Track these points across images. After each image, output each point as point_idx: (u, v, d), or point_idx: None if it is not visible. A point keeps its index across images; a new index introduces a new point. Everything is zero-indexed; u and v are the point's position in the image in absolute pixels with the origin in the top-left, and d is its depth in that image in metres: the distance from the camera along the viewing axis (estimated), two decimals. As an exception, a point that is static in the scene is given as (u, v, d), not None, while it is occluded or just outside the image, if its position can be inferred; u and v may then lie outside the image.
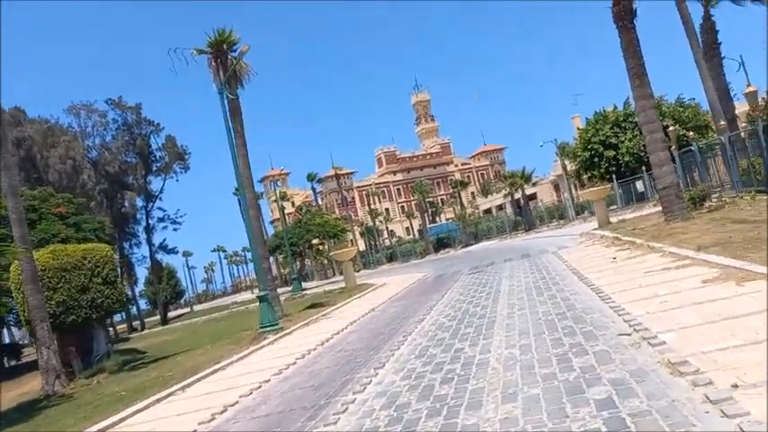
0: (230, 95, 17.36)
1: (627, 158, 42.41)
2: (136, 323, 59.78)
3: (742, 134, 19.47)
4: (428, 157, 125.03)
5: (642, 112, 17.14)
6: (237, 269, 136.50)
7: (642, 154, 41.91)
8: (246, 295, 73.56)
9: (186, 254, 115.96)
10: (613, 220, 25.03)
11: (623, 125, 43.53)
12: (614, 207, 43.49)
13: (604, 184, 25.27)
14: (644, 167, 40.09)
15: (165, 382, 11.46)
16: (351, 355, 9.15)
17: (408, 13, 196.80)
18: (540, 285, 11.47)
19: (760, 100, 23.50)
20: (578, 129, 46.97)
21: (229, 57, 18.76)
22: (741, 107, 27.34)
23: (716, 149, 23.70)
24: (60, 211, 32.37)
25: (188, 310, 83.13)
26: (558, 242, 23.70)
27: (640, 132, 42.48)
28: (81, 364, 18.03)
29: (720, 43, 23.13)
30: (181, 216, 57.29)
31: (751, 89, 21.92)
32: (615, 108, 45.28)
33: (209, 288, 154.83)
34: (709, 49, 22.91)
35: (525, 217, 51.65)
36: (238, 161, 18.83)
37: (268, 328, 14.36)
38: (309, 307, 20.61)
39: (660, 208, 23.73)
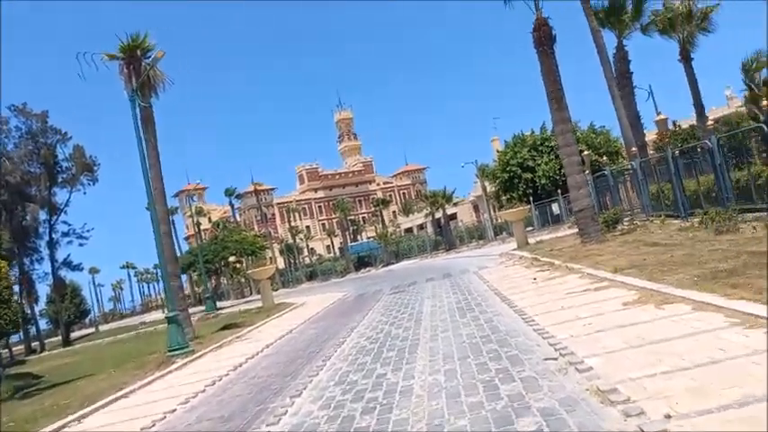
0: (142, 103, 16.41)
1: (543, 181, 43.82)
2: (36, 344, 55.88)
3: (652, 161, 20.36)
4: (350, 174, 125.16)
5: (560, 136, 17.57)
6: (148, 287, 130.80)
7: (558, 177, 43.49)
8: (157, 315, 70.25)
9: (93, 270, 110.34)
10: (531, 240, 25.54)
11: (540, 149, 45.04)
12: (531, 228, 44.71)
13: (523, 205, 25.82)
14: (559, 190, 41.55)
15: (59, 412, 10.43)
16: (265, 381, 8.58)
17: (333, 30, 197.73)
18: (462, 306, 11.31)
19: (671, 126, 24.80)
20: (498, 151, 48.20)
21: (143, 63, 17.79)
22: (649, 135, 28.78)
23: (627, 175, 24.79)
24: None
25: (93, 330, 78.56)
26: (479, 262, 23.91)
27: (556, 156, 44.37)
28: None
29: (632, 73, 24.28)
30: (87, 231, 54.07)
31: (661, 117, 23.06)
32: (533, 132, 46.83)
33: (117, 307, 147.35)
34: (622, 77, 23.98)
35: (446, 237, 52.28)
36: (150, 172, 17.85)
37: (177, 352, 13.46)
38: (223, 328, 19.68)
39: (575, 230, 24.52)
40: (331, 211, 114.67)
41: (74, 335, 69.42)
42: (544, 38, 17.10)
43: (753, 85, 23.84)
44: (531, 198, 43.59)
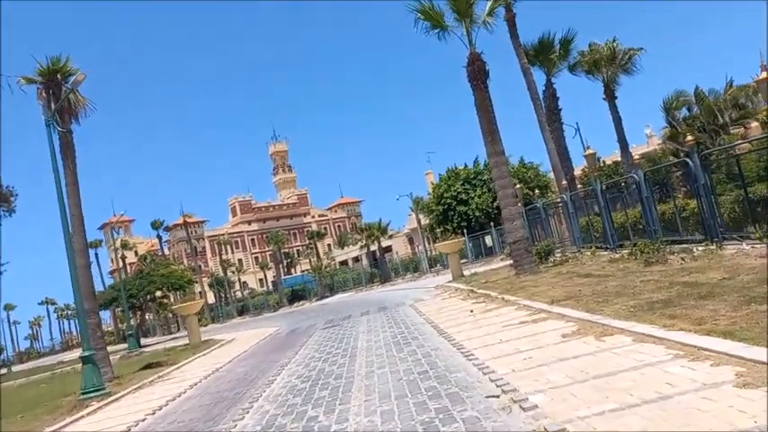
0: (60, 128, 15.44)
1: (477, 214, 44.46)
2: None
3: (581, 194, 20.84)
4: (285, 207, 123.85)
5: (495, 168, 17.70)
6: (69, 324, 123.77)
7: (490, 210, 44.26)
8: (78, 353, 66.16)
9: (9, 307, 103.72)
10: (466, 272, 25.57)
11: (473, 182, 45.79)
12: (465, 260, 45.02)
13: (458, 237, 25.91)
14: (492, 223, 42.22)
15: None
16: (186, 426, 7.88)
17: (266, 61, 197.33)
18: (399, 341, 10.93)
19: (597, 162, 25.65)
20: (432, 184, 48.74)
21: (64, 88, 16.83)
22: (577, 170, 29.68)
23: (557, 207, 25.33)
24: None
25: (4, 371, 73.32)
26: (415, 294, 23.66)
27: (489, 189, 45.25)
28: None
29: (561, 109, 25.03)
30: (2, 264, 50.69)
31: (590, 151, 23.81)
32: (466, 166, 47.63)
33: (35, 345, 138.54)
34: (551, 114, 24.66)
35: (381, 269, 51.99)
36: (68, 201, 16.76)
37: (92, 394, 12.41)
38: (145, 367, 18.51)
39: (509, 261, 24.73)
40: (264, 244, 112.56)
41: (-18, 377, 64.54)
42: (478, 72, 17.31)
43: (674, 123, 24.99)
44: (465, 230, 44.08)
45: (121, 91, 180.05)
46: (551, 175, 50.47)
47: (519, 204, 18.73)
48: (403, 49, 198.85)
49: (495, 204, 44.68)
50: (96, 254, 74.62)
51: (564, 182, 24.09)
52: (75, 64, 16.65)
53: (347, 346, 12.09)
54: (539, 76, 25.13)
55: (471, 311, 12.66)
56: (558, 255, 20.00)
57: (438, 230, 48.02)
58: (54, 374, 32.32)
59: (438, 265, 50.96)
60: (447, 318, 12.56)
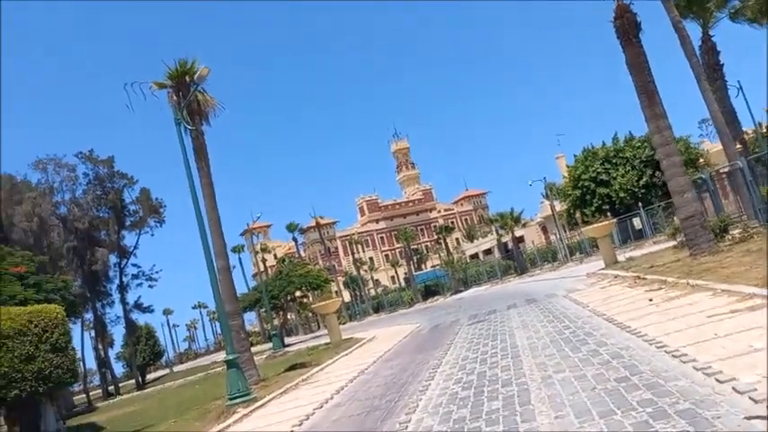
0: (189, 126, 15.36)
1: (621, 195, 40.91)
2: (124, 383, 56.20)
3: (764, 158, 17.79)
4: (410, 204, 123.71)
5: (656, 134, 15.39)
6: (219, 326, 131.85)
7: (636, 189, 40.59)
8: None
9: (167, 312, 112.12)
10: (620, 257, 23.10)
11: (614, 160, 42.22)
12: (612, 245, 41.80)
13: (607, 219, 23.39)
14: (640, 203, 38.61)
15: None
16: (338, 443, 6.88)
17: (385, 58, 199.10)
18: (568, 337, 9.34)
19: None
20: (567, 166, 45.63)
21: (192, 90, 16.86)
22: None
23: (721, 178, 22.16)
24: (20, 270, 29.75)
25: (168, 371, 79.21)
26: (564, 284, 21.66)
27: (633, 168, 41.57)
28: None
29: (723, 65, 21.83)
30: (157, 272, 54.45)
31: (773, 107, 20.46)
32: (603, 144, 44.08)
33: (192, 347, 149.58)
34: (711, 70, 21.56)
35: (516, 260, 49.69)
36: (204, 203, 16.76)
37: (238, 400, 11.97)
38: (289, 368, 18.18)
39: (671, 243, 22.01)
40: (393, 242, 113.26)
41: (150, 376, 69.93)
42: (628, 25, 15.15)
43: None
44: (608, 213, 40.70)
45: (252, 99, 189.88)
46: (704, 146, 45.66)
47: (687, 176, 16.17)
48: (519, 33, 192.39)
49: (641, 183, 40.94)
50: (240, 258, 78.65)
51: (738, 146, 20.90)
52: (201, 65, 16.56)
53: (504, 344, 10.66)
54: (692, 31, 22.06)
55: (651, 300, 10.73)
56: (738, 231, 17.15)
57: (576, 216, 44.87)
58: (208, 375, 33.68)
59: (577, 253, 47.83)
60: (620, 309, 10.73)
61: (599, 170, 42.38)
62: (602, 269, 21.83)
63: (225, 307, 16.57)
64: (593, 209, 42.42)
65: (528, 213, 75.66)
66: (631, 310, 10.27)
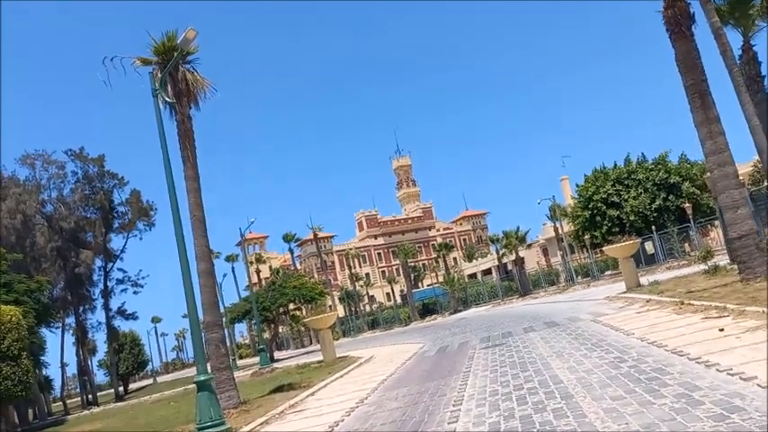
0: (168, 100, 13.37)
1: (632, 218, 39.01)
2: (106, 392, 53.43)
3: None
4: (410, 221, 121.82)
5: (708, 140, 13.44)
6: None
7: (648, 213, 38.74)
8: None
9: (155, 320, 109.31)
10: (643, 281, 21.11)
11: (626, 182, 40.39)
12: (615, 271, 39.86)
13: (632, 239, 21.37)
14: (653, 227, 36.72)
15: None
16: None
17: (389, 74, 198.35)
18: (630, 373, 7.30)
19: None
20: (577, 186, 43.78)
21: (181, 68, 14.92)
22: None
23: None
24: (-11, 268, 27.62)
25: (151, 381, 76.52)
26: (581, 308, 19.62)
27: (645, 190, 39.74)
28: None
29: (765, 76, 20.01)
30: (143, 278, 52.18)
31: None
32: (616, 165, 42.27)
33: (180, 356, 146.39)
34: (752, 82, 19.71)
35: (520, 281, 47.57)
36: (189, 198, 14.74)
37: (209, 430, 9.83)
38: (275, 390, 16.02)
39: (690, 269, 20.17)
40: (390, 258, 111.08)
41: (134, 385, 67.35)
42: (680, 16, 13.35)
43: None
44: (616, 238, 38.71)
45: (251, 110, 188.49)
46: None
47: (743, 188, 14.29)
48: (524, 45, 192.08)
49: (653, 207, 39.10)
50: (233, 268, 76.41)
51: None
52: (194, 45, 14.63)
53: (541, 377, 8.59)
54: (732, 39, 20.23)
55: (721, 330, 8.72)
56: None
57: (585, 238, 42.90)
58: (186, 390, 31.36)
59: (578, 277, 45.83)
60: (684, 339, 8.70)
61: (610, 191, 40.54)
62: (624, 293, 19.88)
63: (205, 317, 14.52)
64: (603, 231, 40.52)
65: (529, 236, 73.83)
66: (701, 341, 8.23)
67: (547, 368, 9.23)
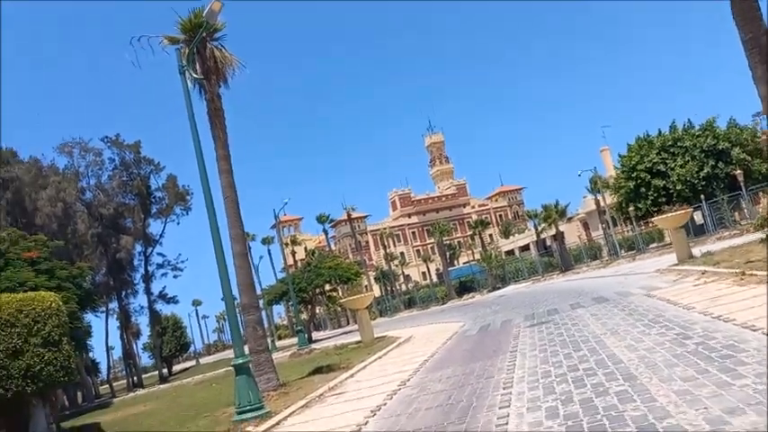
0: (196, 76, 12.95)
1: (679, 187, 37.48)
2: (151, 374, 54.73)
3: None
4: (444, 198, 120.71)
5: (771, 98, 12.41)
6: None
7: (697, 181, 37.20)
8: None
9: (196, 303, 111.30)
10: (694, 252, 20.10)
11: (672, 150, 38.79)
12: (669, 240, 38.56)
13: (683, 208, 20.24)
14: (701, 196, 35.26)
15: None
16: None
17: (421, 50, 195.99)
18: (698, 351, 6.64)
19: None
20: (620, 156, 42.26)
21: (209, 45, 14.51)
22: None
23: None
24: (32, 255, 28.02)
25: (194, 363, 77.97)
26: (630, 282, 18.78)
27: (693, 158, 38.14)
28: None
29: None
30: (182, 262, 52.75)
31: None
32: (660, 133, 40.63)
33: (221, 338, 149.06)
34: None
35: (561, 256, 46.49)
36: (221, 179, 14.41)
37: (248, 415, 9.55)
38: (314, 371, 15.73)
39: (745, 238, 19.15)
40: (425, 237, 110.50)
41: (177, 367, 68.68)
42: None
43: None
44: (663, 207, 37.31)
45: (281, 91, 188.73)
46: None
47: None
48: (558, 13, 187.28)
49: (701, 175, 37.51)
50: (269, 251, 77.01)
51: None
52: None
53: (597, 357, 7.97)
54: None
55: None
56: None
57: (629, 209, 41.51)
58: (228, 371, 31.58)
59: (621, 250, 44.54)
60: (753, 314, 7.94)
61: (655, 160, 39.00)
62: (675, 265, 18.95)
63: (241, 298, 14.27)
64: (647, 202, 39.11)
65: (568, 210, 72.21)
66: (780, 316, 7.49)
67: (602, 347, 8.61)
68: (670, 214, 19.85)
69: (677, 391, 5.39)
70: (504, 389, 7.41)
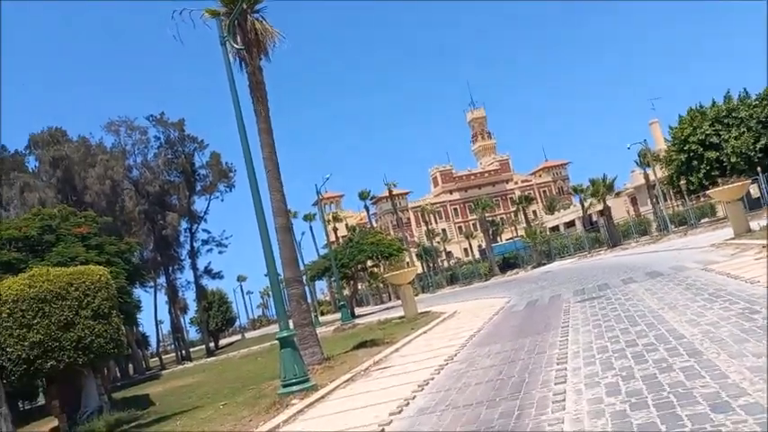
0: (236, 46, 12.80)
1: (733, 159, 35.92)
2: (198, 347, 56.15)
3: None
4: (486, 174, 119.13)
5: None
6: (272, 295, 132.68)
7: (752, 154, 35.60)
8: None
9: (240, 278, 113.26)
10: (752, 226, 19.19)
11: (726, 121, 37.12)
12: (721, 215, 37.21)
13: (741, 180, 19.25)
14: (758, 168, 33.72)
15: None
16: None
17: (461, 25, 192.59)
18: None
19: None
20: (671, 128, 40.65)
21: (250, 18, 14.31)
22: None
23: None
24: (82, 231, 28.71)
25: (240, 337, 79.59)
26: (685, 257, 18.08)
27: (748, 129, 36.46)
28: (66, 424, 13.90)
29: None
30: (226, 238, 53.53)
31: None
32: (714, 103, 38.90)
33: (265, 313, 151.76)
34: None
35: (609, 232, 45.36)
36: (262, 152, 14.30)
37: (294, 388, 9.50)
38: (359, 346, 15.65)
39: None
40: (467, 213, 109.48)
41: (223, 341, 70.28)
42: None
43: None
44: (717, 181, 35.87)
45: (321, 68, 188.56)
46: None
47: None
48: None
49: (757, 146, 35.84)
50: (311, 227, 77.59)
51: None
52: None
53: (657, 331, 7.58)
54: None
55: None
56: None
57: (680, 183, 40.07)
58: (273, 345, 32.01)
59: (671, 225, 43.09)
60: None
61: (708, 132, 37.41)
62: (732, 239, 18.14)
63: (285, 272, 14.24)
64: (700, 175, 37.64)
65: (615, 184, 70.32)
66: None
67: (661, 322, 8.19)
68: (726, 186, 18.95)
69: (750, 368, 5.01)
70: (557, 364, 7.11)
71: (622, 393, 5.20)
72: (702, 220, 41.97)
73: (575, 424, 4.67)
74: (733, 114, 37.03)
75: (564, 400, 5.45)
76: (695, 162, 37.88)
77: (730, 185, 18.81)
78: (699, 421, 4.02)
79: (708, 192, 25.51)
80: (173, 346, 77.09)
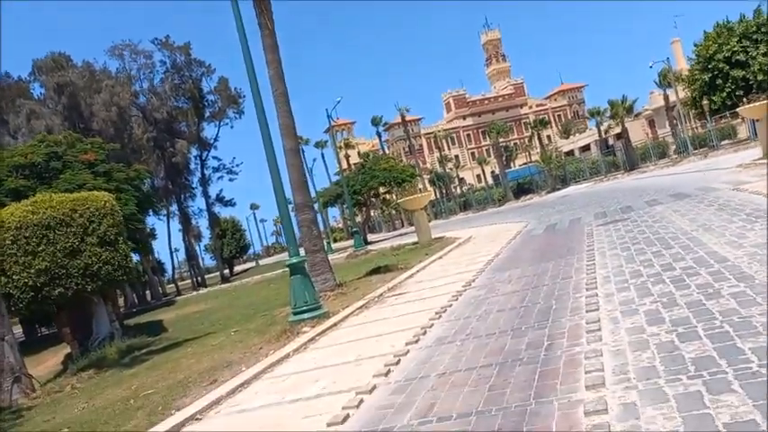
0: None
1: (761, 77, 34.26)
2: (214, 274, 56.74)
3: None
4: (500, 99, 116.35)
5: None
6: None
7: (783, 71, 33.90)
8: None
9: (254, 206, 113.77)
10: None
11: (755, 37, 35.17)
12: (743, 137, 36.02)
13: (762, 98, 18.17)
14: (788, 87, 32.11)
15: (130, 412, 6.63)
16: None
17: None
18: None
19: None
20: (695, 45, 38.71)
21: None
22: None
23: None
24: (89, 158, 28.25)
25: (254, 264, 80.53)
26: (711, 178, 17.30)
27: (780, 44, 34.58)
28: (78, 350, 13.80)
29: None
30: (237, 165, 53.06)
31: None
32: (742, 18, 36.79)
33: (279, 240, 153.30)
34: None
35: (627, 155, 44.23)
36: (268, 70, 13.47)
37: (305, 315, 9.13)
38: (372, 272, 15.28)
39: None
40: (480, 139, 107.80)
41: (238, 268, 71.08)
42: None
43: None
44: (743, 100, 34.39)
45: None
46: None
47: None
48: None
49: (788, 63, 34.09)
50: (323, 155, 76.79)
51: None
52: None
53: (694, 255, 6.99)
54: None
55: None
56: None
57: (703, 103, 38.55)
58: (286, 272, 32.04)
59: (691, 147, 41.82)
60: None
61: (735, 49, 35.52)
62: (761, 159, 17.29)
63: (294, 197, 13.71)
64: (723, 95, 36.08)
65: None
66: None
67: (698, 244, 7.59)
68: (757, 103, 17.86)
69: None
70: (587, 290, 6.58)
71: (666, 322, 4.66)
72: (723, 142, 40.69)
73: (616, 357, 4.16)
74: (762, 29, 35.04)
75: (599, 329, 4.94)
76: (720, 81, 36.20)
77: (760, 102, 17.72)
78: (721, 309, 3.48)
79: (738, 109, 24.28)
80: (189, 272, 78.28)
